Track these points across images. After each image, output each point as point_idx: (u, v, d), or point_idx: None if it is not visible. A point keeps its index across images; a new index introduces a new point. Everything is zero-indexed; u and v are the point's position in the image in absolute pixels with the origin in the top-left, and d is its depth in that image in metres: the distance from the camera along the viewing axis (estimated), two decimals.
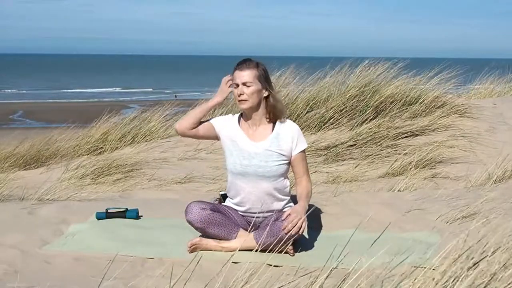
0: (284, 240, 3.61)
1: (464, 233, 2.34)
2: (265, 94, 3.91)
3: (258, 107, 3.91)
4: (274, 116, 3.95)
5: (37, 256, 3.80)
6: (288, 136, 3.92)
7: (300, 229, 3.69)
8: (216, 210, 3.94)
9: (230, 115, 4.09)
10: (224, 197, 4.26)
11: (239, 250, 3.68)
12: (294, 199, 4.02)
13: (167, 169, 7.25)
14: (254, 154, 3.90)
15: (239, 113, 4.07)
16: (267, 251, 3.60)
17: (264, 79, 3.91)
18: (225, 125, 4.02)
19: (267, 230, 3.70)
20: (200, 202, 3.93)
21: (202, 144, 8.05)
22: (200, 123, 4.02)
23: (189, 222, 3.89)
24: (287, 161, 3.94)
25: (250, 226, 3.90)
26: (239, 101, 3.89)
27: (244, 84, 3.86)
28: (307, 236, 4.04)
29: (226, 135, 4.00)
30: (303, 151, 3.98)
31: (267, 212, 3.94)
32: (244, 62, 3.92)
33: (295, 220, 3.69)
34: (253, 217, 3.95)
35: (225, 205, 4.06)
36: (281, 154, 3.90)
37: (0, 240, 4.01)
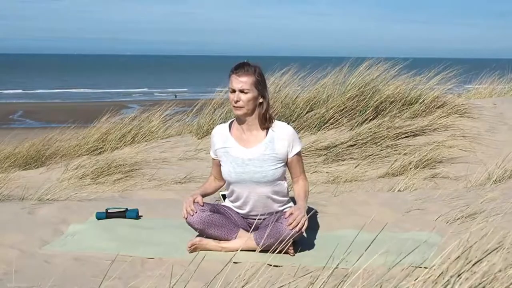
0: (285, 240, 3.61)
1: (464, 233, 2.34)
2: (260, 100, 3.85)
3: (252, 112, 3.84)
4: (264, 122, 3.87)
5: (37, 256, 3.80)
6: (284, 140, 3.86)
7: (303, 226, 3.70)
8: (216, 210, 3.93)
9: (221, 125, 4.05)
10: (224, 197, 4.25)
11: (239, 251, 3.68)
12: (293, 199, 4.02)
13: (167, 169, 7.25)
14: (248, 161, 3.85)
15: (231, 120, 4.02)
16: (268, 251, 3.59)
17: (261, 86, 3.83)
18: (216, 142, 3.98)
19: (268, 232, 3.69)
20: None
21: (202, 144, 8.05)
22: (217, 168, 4.05)
23: (189, 224, 3.88)
24: (283, 164, 3.91)
25: (251, 229, 3.89)
26: (235, 107, 3.83)
27: (241, 91, 3.79)
28: (305, 236, 4.03)
29: (218, 148, 3.97)
30: (299, 153, 3.96)
31: (267, 214, 3.93)
32: (242, 67, 3.80)
33: (299, 217, 3.69)
34: (254, 219, 3.94)
35: (224, 206, 4.06)
36: (277, 158, 3.86)
37: (0, 240, 4.01)
